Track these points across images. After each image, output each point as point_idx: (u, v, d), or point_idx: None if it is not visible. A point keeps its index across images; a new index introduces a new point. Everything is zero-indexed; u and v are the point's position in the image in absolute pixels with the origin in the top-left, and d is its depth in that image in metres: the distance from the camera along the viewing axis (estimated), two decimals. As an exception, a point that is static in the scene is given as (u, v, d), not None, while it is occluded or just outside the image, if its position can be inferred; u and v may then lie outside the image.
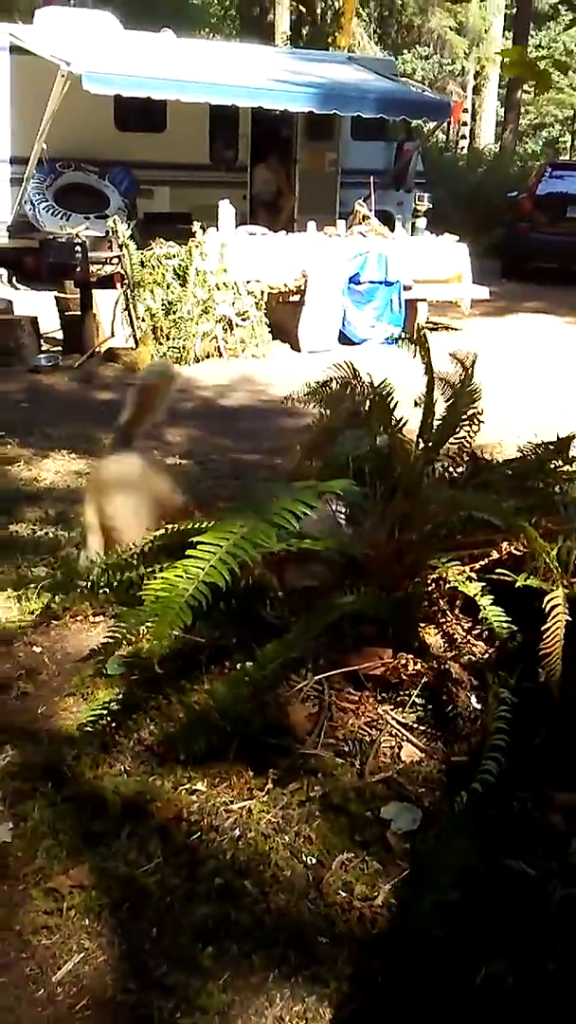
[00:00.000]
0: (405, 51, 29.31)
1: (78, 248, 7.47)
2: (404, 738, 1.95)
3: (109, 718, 2.05)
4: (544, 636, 1.78)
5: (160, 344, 7.93)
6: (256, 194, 12.46)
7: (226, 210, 8.88)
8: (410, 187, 12.59)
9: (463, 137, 22.78)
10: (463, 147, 23.45)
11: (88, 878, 1.71)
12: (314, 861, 1.78)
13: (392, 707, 2.01)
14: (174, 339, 7.96)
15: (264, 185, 12.47)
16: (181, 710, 2.00)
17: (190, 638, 2.08)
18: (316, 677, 1.99)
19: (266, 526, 1.70)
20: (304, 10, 21.37)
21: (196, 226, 8.09)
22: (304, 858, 1.78)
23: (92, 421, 6.27)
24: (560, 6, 33.04)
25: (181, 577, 1.69)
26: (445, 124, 14.66)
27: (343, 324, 9.07)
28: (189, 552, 1.72)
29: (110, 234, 7.78)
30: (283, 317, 8.85)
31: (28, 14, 11.26)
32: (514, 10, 25.60)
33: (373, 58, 15.50)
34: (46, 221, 10.41)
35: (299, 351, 8.83)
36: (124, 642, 2.06)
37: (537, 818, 1.79)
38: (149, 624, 1.76)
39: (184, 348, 7.98)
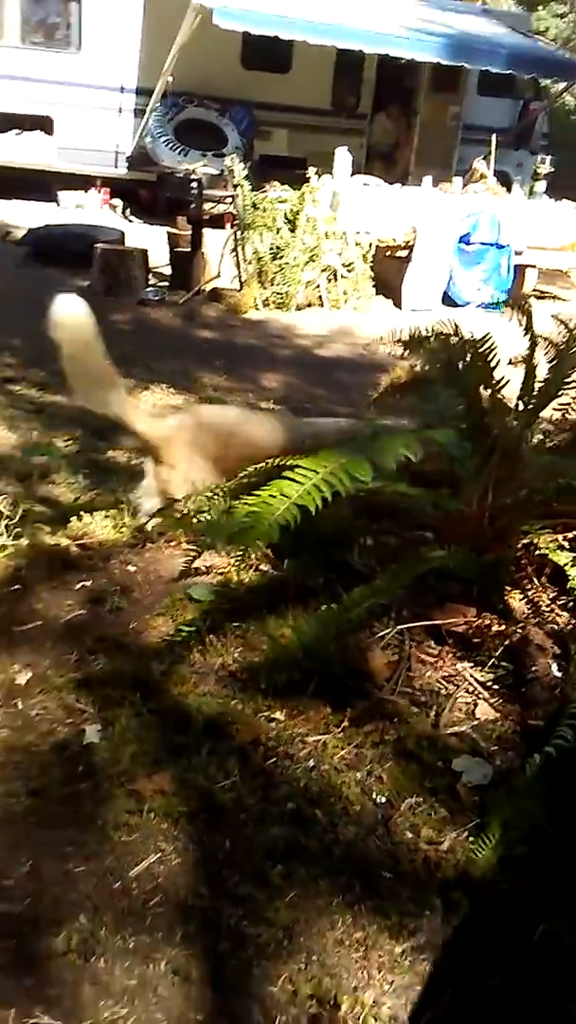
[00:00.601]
0: (540, 6, 28.08)
1: (194, 185, 7.49)
2: (481, 696, 1.95)
3: (195, 639, 2.11)
4: None
5: (264, 288, 7.93)
6: (374, 143, 12.24)
7: (342, 158, 8.77)
8: (534, 148, 12.18)
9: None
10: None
11: (169, 785, 1.78)
12: (384, 800, 1.82)
13: (471, 665, 2.01)
14: (278, 284, 7.95)
15: (383, 135, 12.23)
16: (266, 641, 2.05)
17: (278, 574, 2.12)
18: (398, 627, 2.00)
19: (365, 461, 1.71)
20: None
21: (311, 172, 8.01)
22: (375, 796, 1.83)
23: (192, 359, 6.35)
24: None
25: (275, 497, 1.70)
26: (576, 85, 14.08)
27: (448, 284, 8.90)
28: (285, 474, 1.74)
29: (226, 173, 7.76)
30: (388, 272, 8.73)
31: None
32: None
33: (508, 12, 14.96)
34: (164, 155, 10.45)
35: (400, 308, 8.72)
36: (211, 550, 2.07)
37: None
38: (237, 534, 1.77)
39: (287, 294, 7.97)
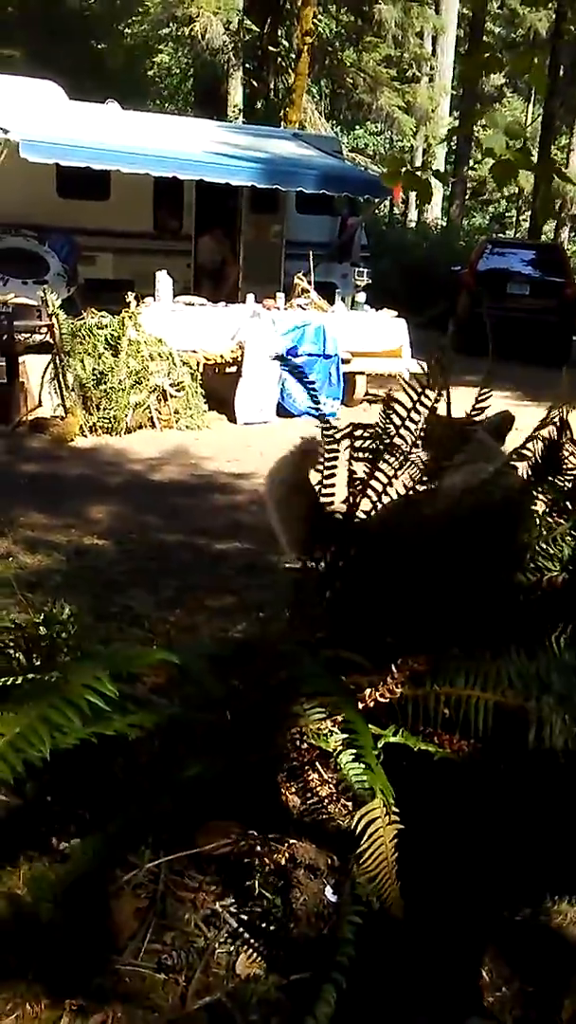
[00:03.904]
0: (357, 127, 30.18)
1: (3, 316, 7.29)
2: (242, 942, 1.69)
3: None
4: (362, 861, 1.53)
5: (90, 414, 7.74)
6: (201, 263, 12.47)
7: (164, 280, 8.82)
8: (355, 260, 12.71)
9: (405, 214, 23.33)
10: (411, 220, 24.01)
11: None
12: None
13: (234, 899, 1.75)
14: (105, 409, 7.78)
15: (208, 254, 12.48)
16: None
17: (14, 802, 1.81)
18: (148, 865, 1.72)
19: (54, 715, 1.43)
20: (256, 85, 21.86)
21: (130, 296, 7.99)
22: None
23: (11, 496, 6.02)
24: (504, 88, 34.44)
25: None
26: (390, 201, 14.93)
27: (282, 396, 8.99)
28: None
29: (40, 303, 7.63)
30: (220, 388, 8.75)
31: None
32: (460, 91, 26.58)
33: (317, 135, 15.80)
34: (-18, 285, 10.26)
35: (235, 422, 8.71)
36: None
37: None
38: None
39: (115, 418, 7.80)
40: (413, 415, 2.45)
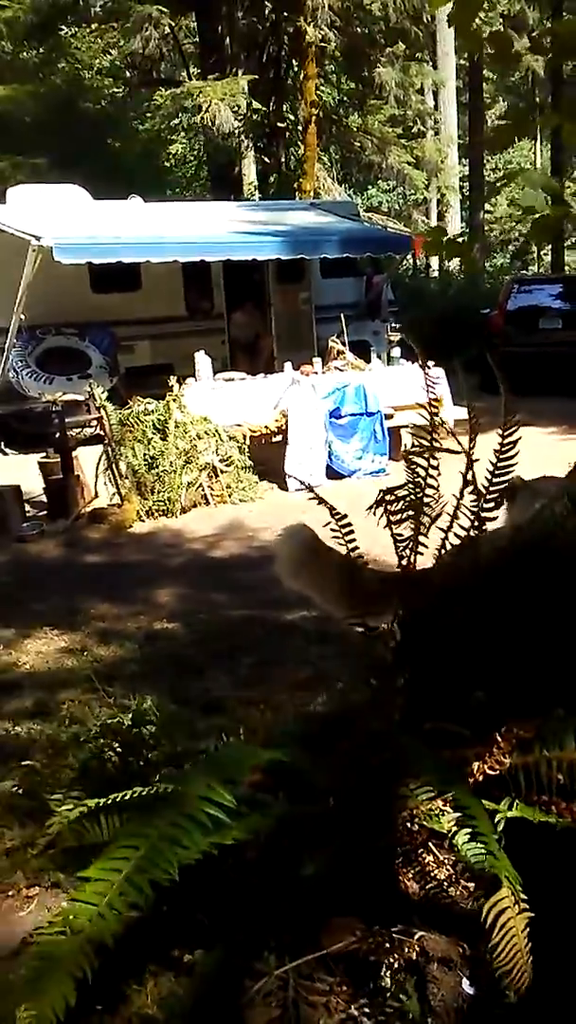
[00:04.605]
0: (369, 186, 30.79)
1: (54, 414, 7.50)
2: None
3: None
4: (495, 954, 1.48)
5: (146, 499, 7.85)
6: (234, 339, 12.74)
7: (203, 360, 9.01)
8: (384, 317, 12.88)
9: (428, 265, 23.57)
10: (434, 270, 24.26)
11: None
12: None
13: (368, 999, 1.69)
14: (159, 492, 7.89)
15: (241, 329, 12.76)
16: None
17: (133, 916, 1.76)
18: (276, 972, 1.67)
19: (177, 833, 1.42)
20: (268, 160, 22.51)
21: (173, 380, 8.17)
22: None
23: (78, 590, 6.10)
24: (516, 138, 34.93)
25: (64, 934, 1.34)
26: (412, 253, 15.14)
27: (330, 459, 9.03)
28: (73, 895, 1.41)
29: (88, 397, 7.84)
30: (268, 458, 8.82)
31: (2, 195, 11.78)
32: (467, 140, 27.05)
33: (334, 201, 16.18)
34: (30, 386, 10.60)
35: (287, 490, 8.76)
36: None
37: None
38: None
39: (170, 500, 7.90)
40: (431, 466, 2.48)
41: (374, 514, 2.38)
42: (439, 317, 17.09)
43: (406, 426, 9.71)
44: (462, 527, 2.33)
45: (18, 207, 10.85)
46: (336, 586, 2.44)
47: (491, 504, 2.33)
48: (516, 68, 28.01)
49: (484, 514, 2.28)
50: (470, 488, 2.41)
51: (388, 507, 2.38)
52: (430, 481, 2.43)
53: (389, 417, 9.40)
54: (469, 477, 2.45)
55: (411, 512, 2.32)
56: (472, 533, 2.27)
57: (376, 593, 2.34)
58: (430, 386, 2.83)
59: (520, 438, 2.59)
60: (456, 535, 2.30)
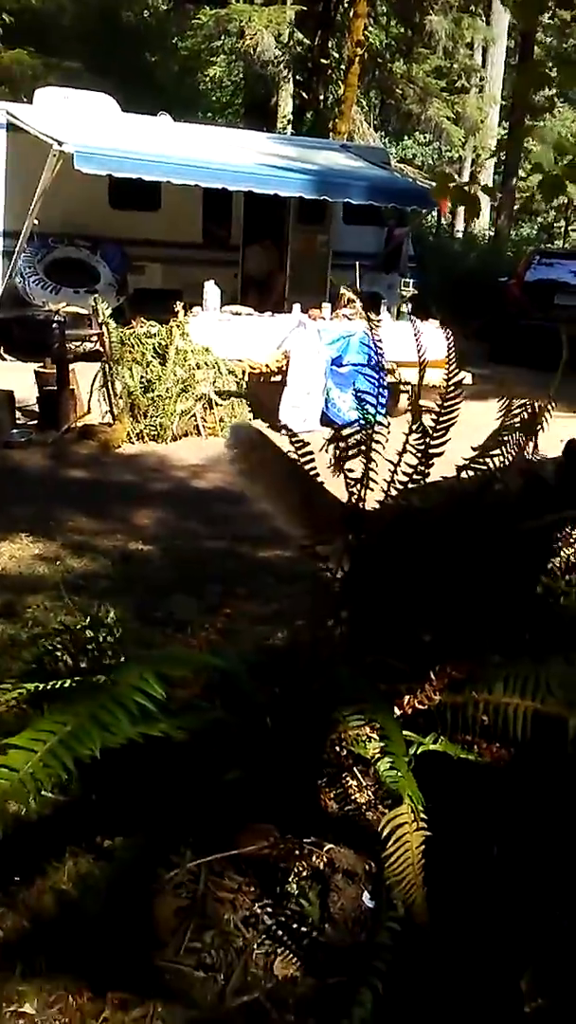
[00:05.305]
0: (406, 137, 30.18)
1: (56, 325, 7.44)
2: (280, 945, 1.71)
3: None
4: (388, 864, 1.54)
5: (138, 422, 7.85)
6: (248, 273, 12.59)
7: (212, 290, 8.93)
8: (402, 271, 12.74)
9: (452, 225, 23.26)
10: (459, 231, 23.93)
11: None
12: None
13: (272, 901, 1.77)
14: (152, 416, 7.88)
15: (256, 265, 12.61)
16: (26, 912, 1.73)
17: (60, 799, 1.84)
18: (189, 865, 1.75)
19: (103, 716, 1.46)
20: (306, 96, 21.99)
21: (178, 305, 8.10)
22: None
23: (59, 502, 6.13)
24: (556, 98, 34.18)
25: None
26: (437, 211, 14.94)
27: (326, 406, 9.01)
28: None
29: (91, 312, 7.77)
30: (265, 397, 8.80)
31: (30, 94, 11.50)
32: (510, 102, 26.44)
33: (366, 146, 15.88)
34: (35, 294, 10.49)
35: (280, 431, 8.75)
36: None
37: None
38: None
39: (161, 426, 7.90)
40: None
41: (326, 451, 2.43)
42: (456, 279, 16.94)
43: (407, 383, 9.72)
44: (409, 464, 2.40)
45: (44, 109, 10.61)
46: (292, 499, 2.49)
47: (437, 443, 2.40)
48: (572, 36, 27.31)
49: (431, 450, 2.35)
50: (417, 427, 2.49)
51: (339, 445, 2.44)
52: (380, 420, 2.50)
53: (391, 372, 9.36)
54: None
55: (361, 449, 2.38)
56: (420, 470, 2.34)
57: (333, 521, 2.39)
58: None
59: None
60: (406, 474, 2.37)
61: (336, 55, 21.86)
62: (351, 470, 2.43)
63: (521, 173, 29.27)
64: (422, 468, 2.36)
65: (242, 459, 2.64)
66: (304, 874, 1.74)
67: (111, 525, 5.80)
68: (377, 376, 2.94)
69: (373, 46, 21.26)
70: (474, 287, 16.62)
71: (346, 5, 19.89)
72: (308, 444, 2.49)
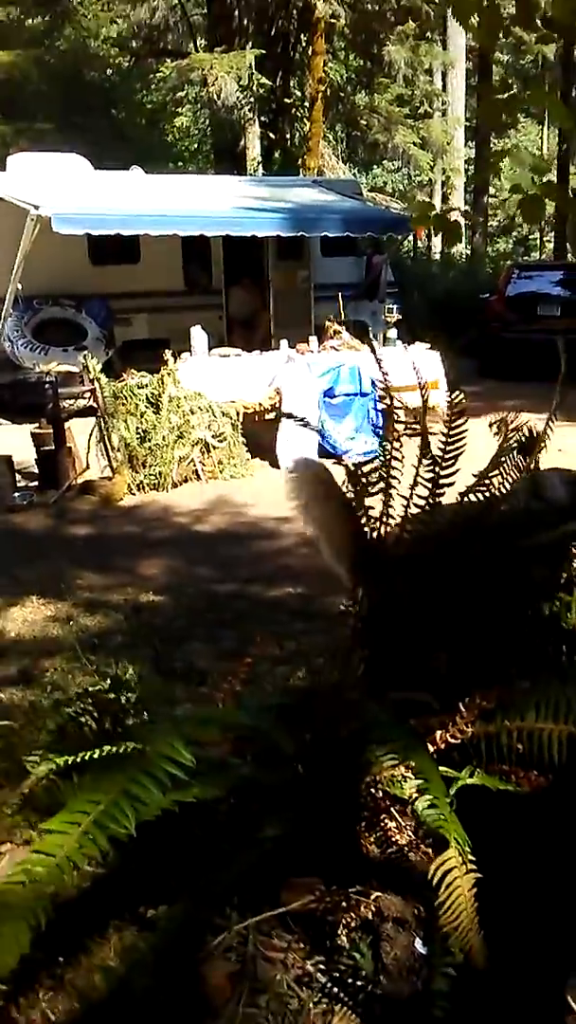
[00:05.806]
0: (374, 166, 30.59)
1: (48, 385, 7.49)
2: (337, 1000, 1.67)
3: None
4: (442, 912, 1.51)
5: (137, 472, 7.86)
6: (232, 315, 12.70)
7: (198, 335, 8.99)
8: (382, 297, 12.84)
9: (429, 248, 23.51)
10: (436, 252, 24.15)
11: None
12: None
13: (324, 956, 1.73)
14: (151, 466, 7.90)
15: (239, 306, 12.72)
16: (74, 993, 1.69)
17: (99, 872, 1.81)
18: (236, 927, 1.72)
19: (136, 790, 1.45)
20: (273, 136, 22.34)
21: (167, 353, 8.16)
22: None
23: (66, 560, 6.12)
24: (519, 114, 34.69)
25: (23, 884, 1.37)
26: (413, 235, 15.10)
27: (322, 438, 9.03)
28: (34, 846, 1.44)
29: (82, 369, 7.82)
30: (261, 435, 8.83)
31: (2, 161, 11.69)
32: (474, 121, 26.83)
33: (337, 179, 16.10)
34: (25, 356, 10.57)
35: (278, 468, 8.77)
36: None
37: None
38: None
39: (161, 474, 7.91)
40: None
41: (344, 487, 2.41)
42: (439, 300, 17.08)
43: (399, 408, 9.76)
44: (420, 496, 2.39)
45: (18, 175, 10.78)
46: (343, 533, 2.47)
47: (447, 473, 2.39)
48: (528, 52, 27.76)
49: (441, 481, 2.34)
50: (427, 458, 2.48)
51: (359, 482, 2.43)
52: (395, 455, 2.49)
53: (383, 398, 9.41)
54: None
55: (382, 487, 2.36)
56: (431, 501, 2.33)
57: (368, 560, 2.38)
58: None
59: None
60: (418, 506, 2.36)
61: (299, 93, 22.24)
62: (371, 507, 2.42)
63: (492, 190, 29.59)
64: (433, 500, 2.35)
65: (300, 493, 2.62)
66: (353, 925, 1.71)
67: (120, 579, 5.78)
68: (389, 402, 2.92)
69: (334, 81, 21.65)
70: (456, 306, 16.75)
71: (304, 44, 20.25)
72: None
